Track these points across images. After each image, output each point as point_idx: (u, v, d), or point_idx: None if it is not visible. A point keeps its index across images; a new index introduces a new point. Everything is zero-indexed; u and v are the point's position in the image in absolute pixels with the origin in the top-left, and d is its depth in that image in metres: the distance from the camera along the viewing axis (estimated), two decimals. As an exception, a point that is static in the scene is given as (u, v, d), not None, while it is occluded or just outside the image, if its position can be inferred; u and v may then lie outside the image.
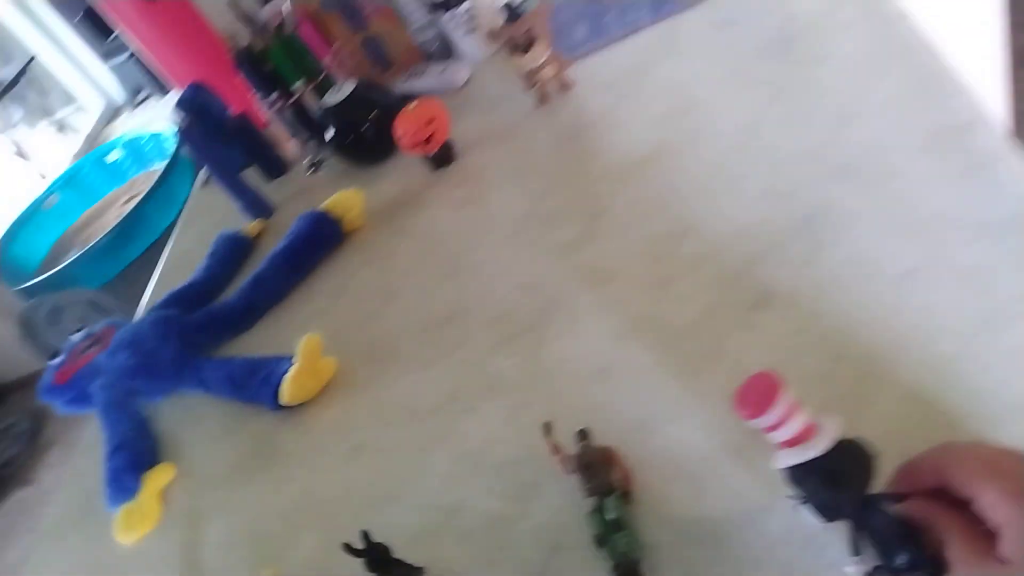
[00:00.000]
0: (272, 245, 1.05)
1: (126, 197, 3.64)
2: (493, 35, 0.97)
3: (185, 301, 1.05)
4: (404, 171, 1.09)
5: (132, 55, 3.96)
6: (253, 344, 0.97)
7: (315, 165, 1.21)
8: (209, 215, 1.35)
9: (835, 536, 0.46)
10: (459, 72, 1.17)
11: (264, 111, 1.21)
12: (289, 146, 1.30)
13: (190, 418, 0.92)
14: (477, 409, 0.70)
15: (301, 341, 0.82)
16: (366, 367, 0.83)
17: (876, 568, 0.43)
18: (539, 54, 0.95)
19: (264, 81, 1.16)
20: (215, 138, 1.22)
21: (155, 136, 3.57)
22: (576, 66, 1.03)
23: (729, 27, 0.93)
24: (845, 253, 0.62)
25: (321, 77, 1.19)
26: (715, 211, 0.73)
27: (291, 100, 1.18)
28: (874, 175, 0.66)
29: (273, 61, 1.15)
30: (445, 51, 1.24)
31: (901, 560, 0.42)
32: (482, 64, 1.20)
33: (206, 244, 1.19)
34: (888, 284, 0.59)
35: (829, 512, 0.46)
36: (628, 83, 0.95)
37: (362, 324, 0.89)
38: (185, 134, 1.09)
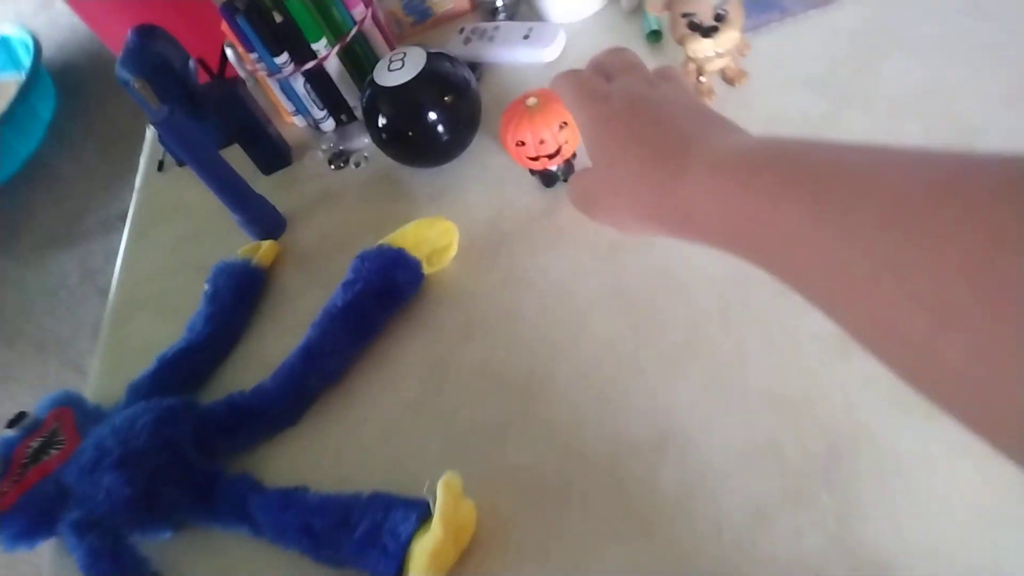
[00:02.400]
0: (291, 278, 0.75)
1: (-27, 118, 2.98)
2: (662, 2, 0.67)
3: (185, 373, 0.72)
4: (487, 179, 0.79)
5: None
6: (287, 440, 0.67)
7: (341, 158, 0.88)
8: (174, 219, 0.95)
9: None
10: (551, 42, 0.86)
11: (263, 76, 0.85)
12: (291, 124, 0.95)
13: (216, 562, 0.61)
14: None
15: (439, 484, 0.54)
16: (516, 511, 0.56)
17: None
18: (727, 40, 0.67)
19: (271, 38, 0.81)
20: (185, 111, 0.86)
21: (2, 41, 2.94)
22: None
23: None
24: None
25: (351, 35, 0.84)
26: None
27: (310, 65, 0.83)
28: None
29: (289, 10, 0.79)
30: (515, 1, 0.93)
31: None
32: (578, 28, 0.88)
33: (173, 267, 0.85)
34: None
35: None
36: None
37: (487, 428, 0.61)
38: (164, 123, 0.72)
